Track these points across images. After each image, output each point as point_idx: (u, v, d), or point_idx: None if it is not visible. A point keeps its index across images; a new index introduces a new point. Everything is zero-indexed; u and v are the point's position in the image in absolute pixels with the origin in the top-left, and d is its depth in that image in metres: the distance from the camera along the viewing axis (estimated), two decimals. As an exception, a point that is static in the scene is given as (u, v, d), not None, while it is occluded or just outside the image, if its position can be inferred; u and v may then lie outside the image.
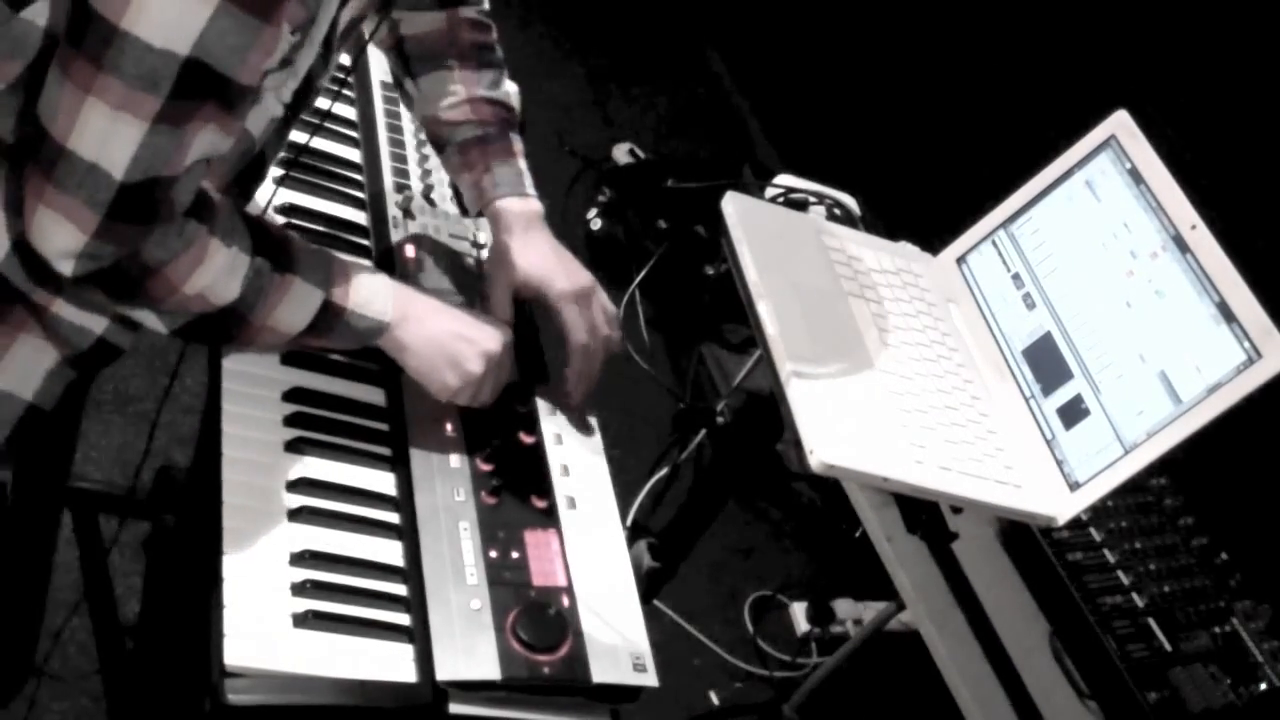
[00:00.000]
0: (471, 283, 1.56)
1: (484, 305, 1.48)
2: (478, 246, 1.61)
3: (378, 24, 1.44)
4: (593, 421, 1.50)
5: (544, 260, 1.46)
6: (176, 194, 1.13)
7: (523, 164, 1.51)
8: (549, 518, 1.35)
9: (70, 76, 1.05)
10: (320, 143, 1.64)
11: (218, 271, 1.19)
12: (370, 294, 1.30)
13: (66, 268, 1.12)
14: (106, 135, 1.06)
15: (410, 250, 1.54)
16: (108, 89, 1.04)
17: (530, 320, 1.52)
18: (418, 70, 1.51)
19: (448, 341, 1.34)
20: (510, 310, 1.46)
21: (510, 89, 1.55)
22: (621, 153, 3.51)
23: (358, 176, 1.64)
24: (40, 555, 1.81)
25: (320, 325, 1.27)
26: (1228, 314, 1.47)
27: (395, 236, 1.55)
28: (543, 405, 1.47)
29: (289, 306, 1.25)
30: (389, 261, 1.51)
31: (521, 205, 1.48)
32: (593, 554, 1.35)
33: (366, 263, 1.35)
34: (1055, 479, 1.55)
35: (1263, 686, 1.69)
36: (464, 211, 1.57)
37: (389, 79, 1.74)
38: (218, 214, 1.20)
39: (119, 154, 1.07)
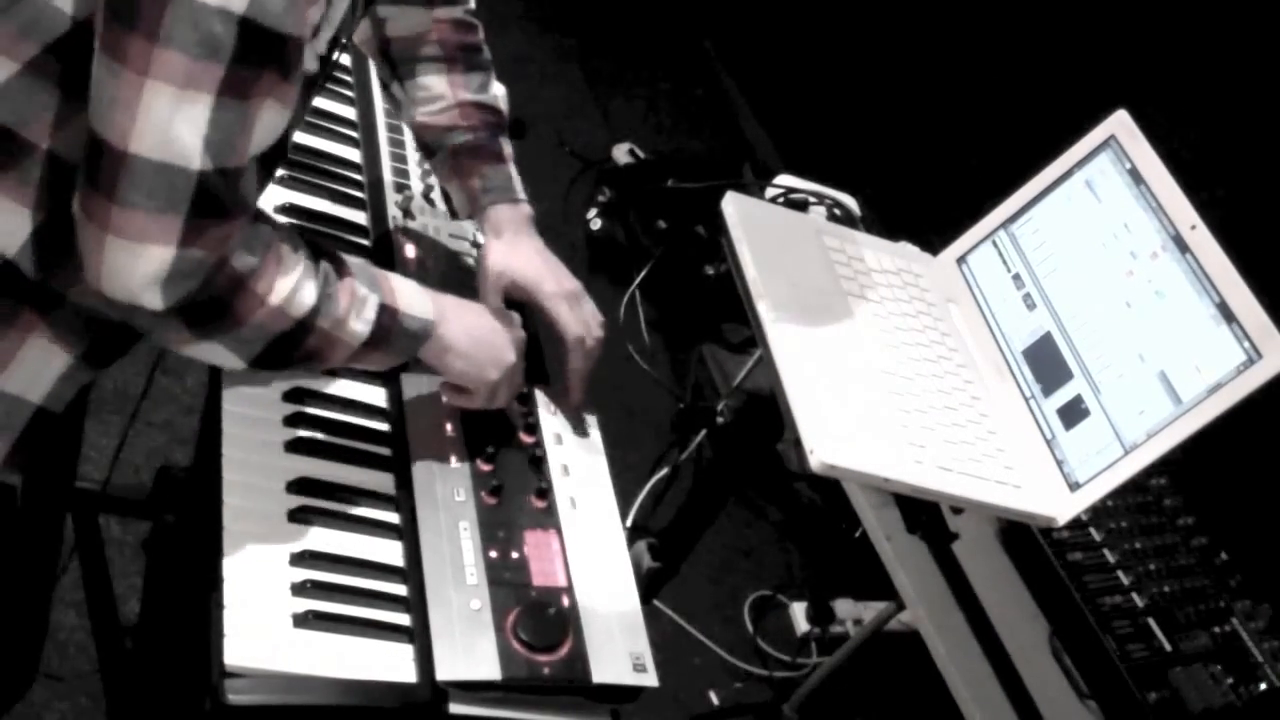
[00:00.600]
0: (471, 284, 1.56)
1: None
2: (477, 246, 1.61)
3: (358, 19, 1.42)
4: (593, 421, 1.50)
5: (530, 263, 1.46)
6: (245, 187, 1.08)
7: (512, 168, 1.51)
8: (549, 518, 1.35)
9: (125, 62, 0.98)
10: (320, 143, 1.64)
11: (297, 276, 1.15)
12: (410, 293, 1.28)
13: (156, 299, 1.05)
14: (173, 122, 0.99)
15: (410, 251, 1.54)
16: (169, 64, 0.97)
17: (529, 322, 1.52)
18: (404, 74, 1.50)
19: (484, 334, 1.33)
20: (499, 301, 1.46)
21: (498, 91, 1.54)
22: (621, 153, 3.51)
23: (358, 176, 1.64)
24: (46, 559, 1.81)
25: (379, 333, 1.23)
26: (1228, 314, 1.47)
27: (395, 237, 1.55)
28: (543, 405, 1.47)
29: (354, 313, 1.20)
30: (389, 264, 1.51)
31: (511, 212, 1.48)
32: (593, 554, 1.35)
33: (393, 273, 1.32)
34: (1055, 479, 1.55)
35: (1263, 686, 1.69)
36: (454, 215, 1.56)
37: (388, 80, 1.74)
38: (275, 222, 1.18)
39: (190, 140, 1.00)
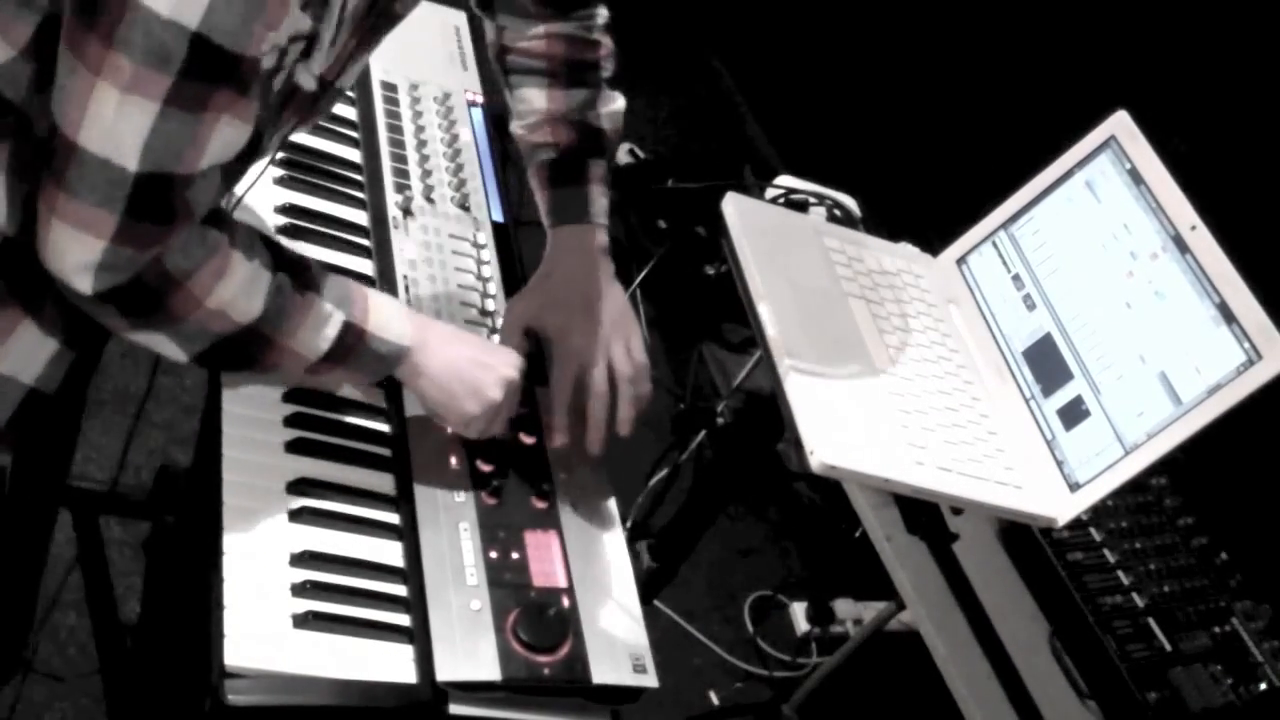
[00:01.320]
0: (471, 285, 1.56)
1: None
2: (478, 246, 1.61)
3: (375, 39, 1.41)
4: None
5: (568, 305, 1.41)
6: (194, 196, 1.10)
7: (594, 190, 1.47)
8: (549, 518, 1.35)
9: (82, 58, 1.01)
10: (320, 143, 1.64)
11: (240, 284, 1.16)
12: (388, 316, 1.27)
13: (85, 283, 1.09)
14: (116, 122, 1.03)
15: (410, 251, 1.54)
16: (117, 68, 1.00)
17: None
18: (511, 84, 1.51)
19: (466, 368, 1.31)
20: (518, 339, 1.43)
21: (606, 109, 1.50)
22: (621, 153, 3.50)
23: (358, 176, 1.64)
24: (36, 545, 1.81)
25: (340, 350, 1.24)
26: (1228, 315, 1.47)
27: (395, 237, 1.55)
28: (543, 405, 1.47)
29: (310, 327, 1.22)
30: (389, 264, 1.51)
31: (577, 236, 1.45)
32: (593, 554, 1.35)
33: (380, 293, 1.32)
34: (1055, 480, 1.55)
35: (1263, 686, 1.69)
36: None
37: (389, 79, 1.74)
38: (237, 227, 1.18)
39: (130, 142, 1.03)
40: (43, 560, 1.86)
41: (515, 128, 1.51)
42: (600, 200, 1.48)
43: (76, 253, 1.08)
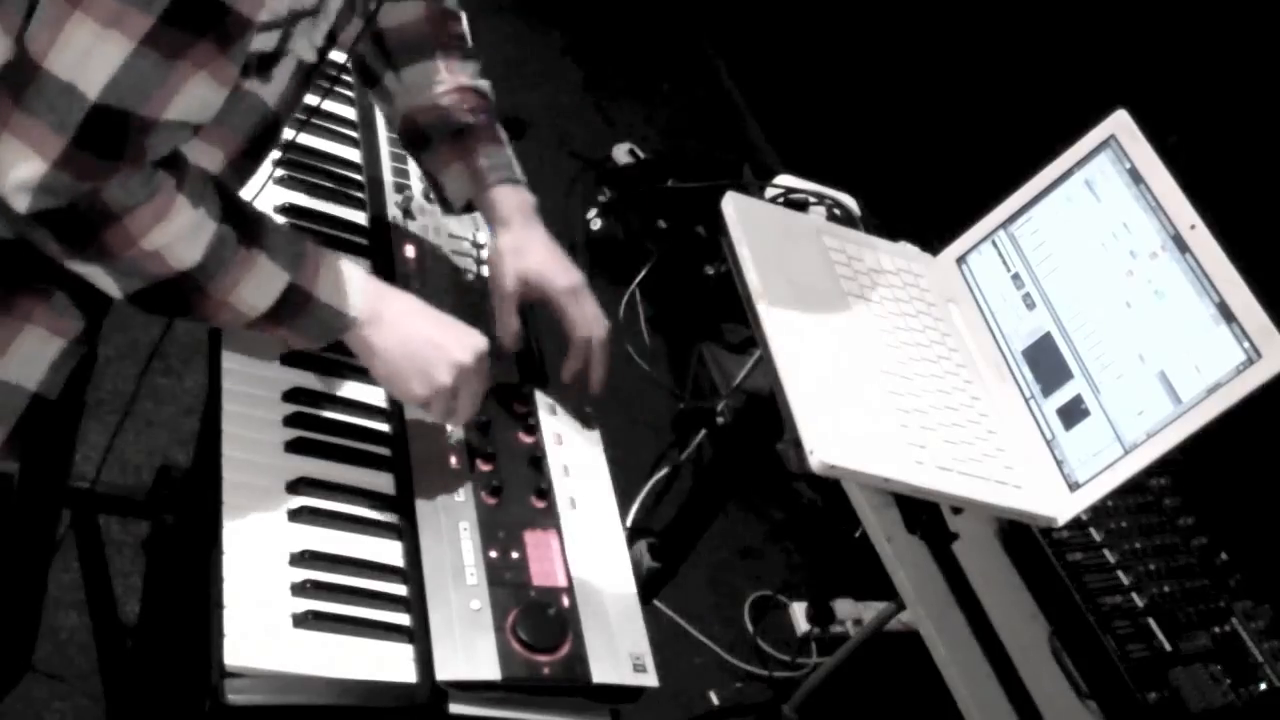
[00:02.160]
0: (467, 284, 1.56)
1: (490, 307, 1.48)
2: (478, 246, 1.61)
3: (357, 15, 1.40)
4: (593, 421, 1.50)
5: (542, 257, 1.46)
6: (150, 142, 1.09)
7: (511, 152, 1.50)
8: (549, 518, 1.35)
9: None
10: (320, 143, 1.64)
11: (180, 230, 1.14)
12: (340, 285, 1.26)
13: (21, 202, 1.08)
14: (88, 52, 1.02)
15: (409, 251, 1.54)
16: (98, 3, 1.01)
17: (527, 322, 1.51)
18: (401, 62, 1.49)
19: (418, 348, 1.29)
20: (515, 316, 1.46)
21: (486, 82, 1.54)
22: (621, 153, 3.51)
23: (358, 176, 1.64)
24: (41, 548, 1.81)
25: (282, 310, 1.22)
26: (1227, 314, 1.47)
27: (395, 237, 1.55)
28: (543, 405, 1.47)
29: (251, 284, 1.20)
30: (389, 265, 1.51)
31: (516, 195, 1.47)
32: (593, 554, 1.35)
33: (350, 257, 1.31)
34: (1055, 479, 1.55)
35: (1263, 686, 1.69)
36: (446, 208, 1.54)
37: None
38: (188, 174, 1.17)
39: (98, 73, 1.03)
40: (47, 563, 1.86)
41: (418, 102, 1.49)
42: (515, 159, 1.50)
43: (19, 170, 1.07)
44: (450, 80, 1.48)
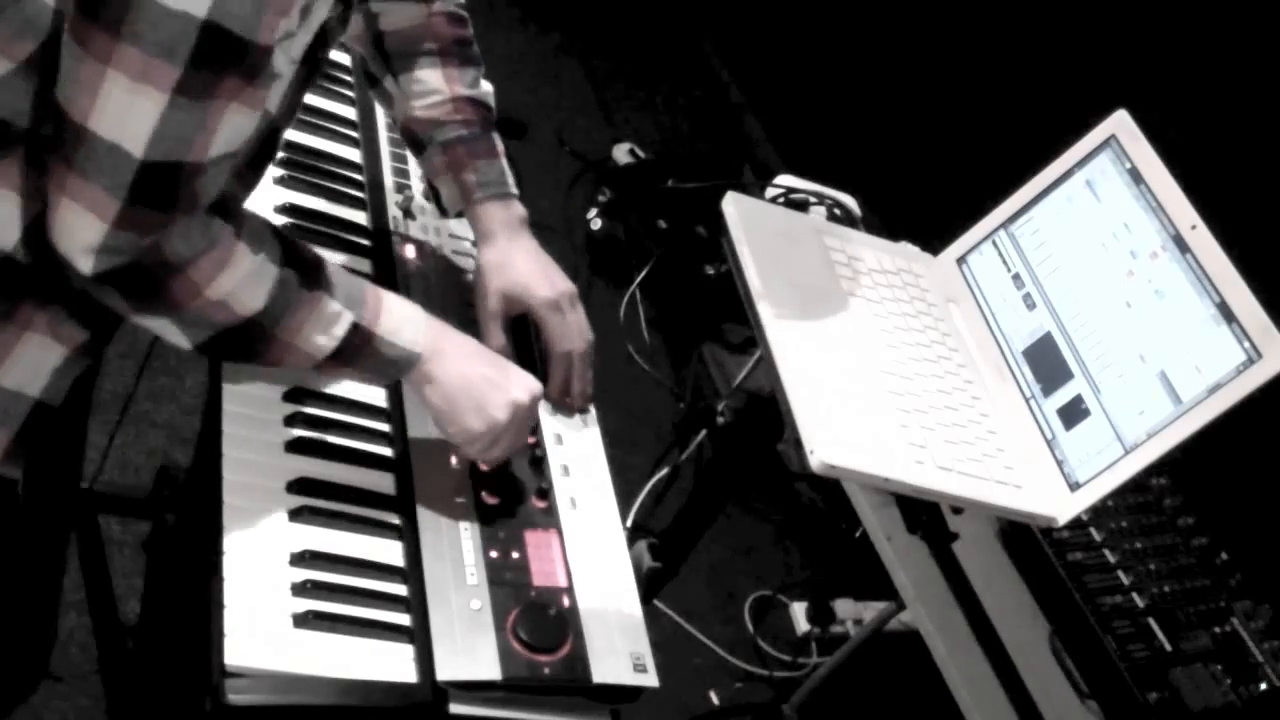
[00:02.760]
0: (471, 285, 1.56)
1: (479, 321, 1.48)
2: (477, 247, 1.61)
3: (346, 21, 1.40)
4: (593, 422, 1.50)
5: (524, 268, 1.46)
6: (201, 186, 1.11)
7: (505, 164, 1.50)
8: (549, 518, 1.35)
9: (88, 49, 1.02)
10: (320, 143, 1.64)
11: (243, 276, 1.16)
12: (401, 322, 1.27)
13: (86, 264, 1.10)
14: (126, 110, 1.03)
15: (410, 251, 1.54)
16: (126, 58, 1.01)
17: (527, 331, 1.51)
18: (399, 68, 1.49)
19: (477, 383, 1.29)
20: (500, 333, 1.46)
21: (487, 87, 1.54)
22: (621, 153, 3.51)
23: (358, 176, 1.64)
24: (54, 556, 1.80)
25: (348, 350, 1.23)
26: (1228, 314, 1.47)
27: (395, 237, 1.55)
28: (543, 405, 1.47)
29: (316, 325, 1.21)
30: (389, 264, 1.51)
31: (504, 211, 1.48)
32: (593, 554, 1.35)
33: (400, 298, 1.31)
34: (1055, 479, 1.55)
35: (1263, 686, 1.69)
36: (442, 212, 1.55)
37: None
38: (246, 220, 1.18)
39: (139, 129, 1.04)
40: (60, 570, 1.86)
41: (414, 110, 1.49)
42: (510, 173, 1.50)
43: (81, 233, 1.08)
44: (447, 90, 1.48)
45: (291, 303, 1.19)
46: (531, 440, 1.42)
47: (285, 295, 1.19)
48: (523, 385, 1.32)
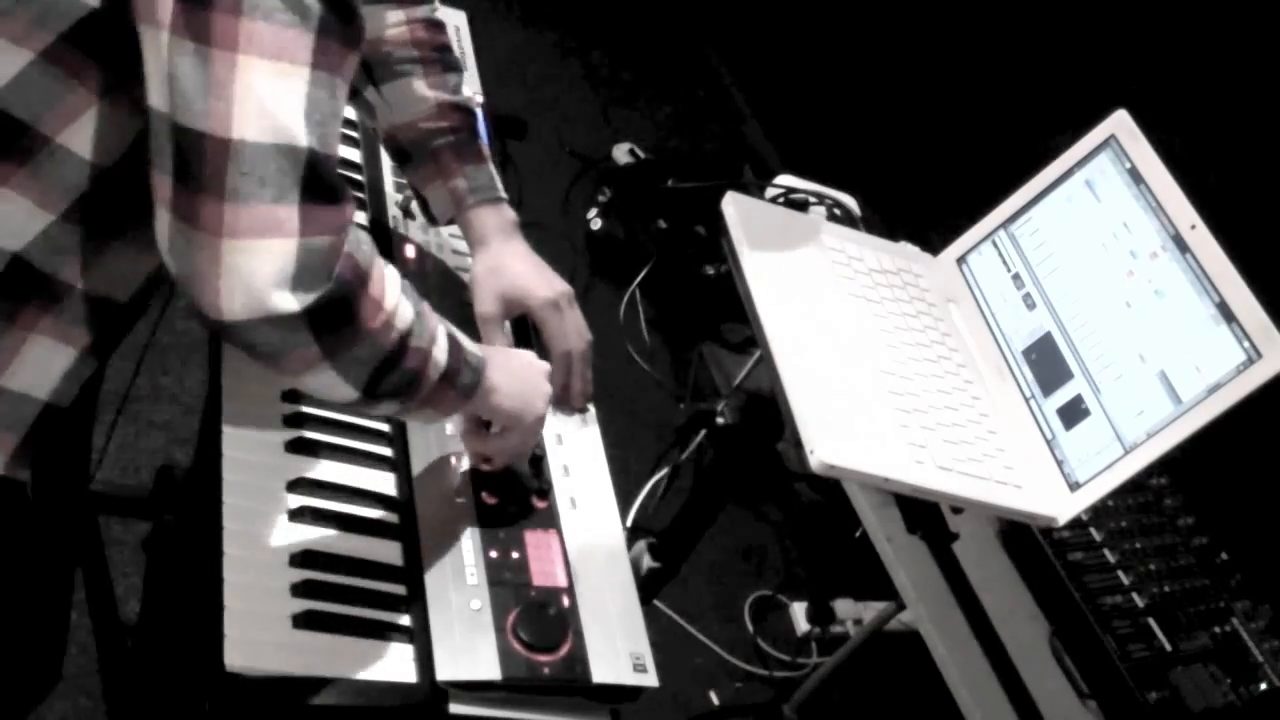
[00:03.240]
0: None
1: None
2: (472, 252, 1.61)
3: None
4: (593, 421, 1.50)
5: (519, 270, 1.45)
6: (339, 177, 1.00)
7: (493, 168, 1.50)
8: (549, 518, 1.35)
9: (212, 40, 0.91)
10: (320, 143, 1.63)
11: (394, 281, 1.06)
12: (454, 332, 1.19)
13: (289, 300, 0.95)
14: (275, 98, 0.92)
15: (409, 252, 1.54)
16: (259, 36, 0.91)
17: (530, 320, 1.51)
18: (380, 77, 1.47)
19: (520, 370, 1.29)
20: (501, 336, 1.46)
21: (469, 93, 1.53)
22: (621, 153, 3.51)
23: (358, 177, 1.64)
24: (62, 557, 1.80)
25: (452, 365, 1.14)
26: (1227, 314, 1.47)
27: (395, 237, 1.55)
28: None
29: (439, 338, 1.13)
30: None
31: (497, 215, 1.47)
32: (592, 554, 1.35)
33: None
34: (1055, 479, 1.55)
35: (1263, 686, 1.69)
36: (432, 221, 1.53)
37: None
38: None
39: (294, 115, 0.93)
40: (71, 571, 1.85)
41: (399, 119, 1.46)
42: (499, 177, 1.49)
43: (268, 267, 0.93)
44: (431, 97, 1.46)
45: (423, 311, 1.11)
46: (531, 440, 1.42)
47: (420, 304, 1.11)
48: (542, 366, 1.34)
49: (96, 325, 1.19)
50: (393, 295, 1.06)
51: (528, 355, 1.36)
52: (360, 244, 1.03)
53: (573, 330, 1.47)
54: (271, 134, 0.93)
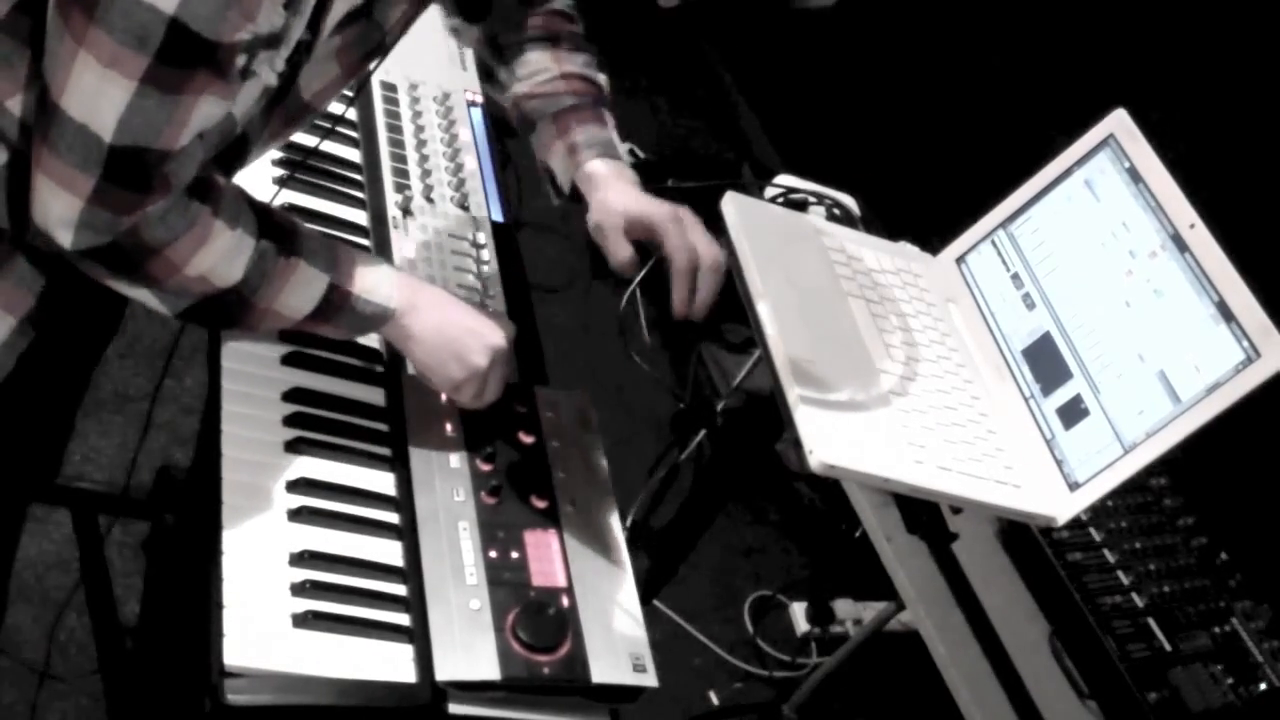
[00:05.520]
0: (471, 285, 1.56)
1: (608, 256, 1.50)
2: (477, 246, 1.61)
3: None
4: (592, 421, 1.50)
5: (636, 198, 1.48)
6: (173, 170, 1.13)
7: (614, 135, 1.52)
8: (549, 518, 1.35)
9: (67, 27, 1.04)
10: (320, 143, 1.64)
11: (221, 253, 1.20)
12: (376, 280, 1.31)
13: (66, 238, 1.13)
14: (96, 94, 1.06)
15: (410, 251, 1.54)
16: (98, 43, 1.04)
17: (530, 320, 1.52)
18: (510, 55, 1.53)
19: (454, 333, 1.34)
20: (626, 245, 1.47)
21: (603, 75, 1.56)
22: (621, 152, 3.50)
23: (358, 176, 1.64)
24: (5, 538, 1.79)
25: (325, 310, 1.28)
26: (1227, 313, 1.47)
27: (395, 236, 1.55)
28: (543, 405, 1.47)
29: (294, 290, 1.26)
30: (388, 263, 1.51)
31: (609, 167, 1.49)
32: (593, 554, 1.35)
33: (373, 254, 1.35)
34: (1055, 479, 1.55)
35: (1263, 686, 1.69)
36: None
37: (388, 79, 1.74)
38: (223, 196, 1.21)
39: (107, 115, 1.07)
40: (11, 554, 1.84)
41: (524, 88, 1.52)
42: (621, 146, 1.53)
43: (57, 208, 1.11)
44: (556, 68, 1.51)
45: (269, 271, 1.23)
46: (531, 440, 1.42)
47: (263, 265, 1.23)
48: (497, 330, 1.36)
49: (38, 295, 1.23)
50: (201, 263, 1.19)
51: (482, 321, 1.36)
52: (172, 218, 1.15)
53: (699, 240, 1.47)
54: (84, 117, 1.07)
